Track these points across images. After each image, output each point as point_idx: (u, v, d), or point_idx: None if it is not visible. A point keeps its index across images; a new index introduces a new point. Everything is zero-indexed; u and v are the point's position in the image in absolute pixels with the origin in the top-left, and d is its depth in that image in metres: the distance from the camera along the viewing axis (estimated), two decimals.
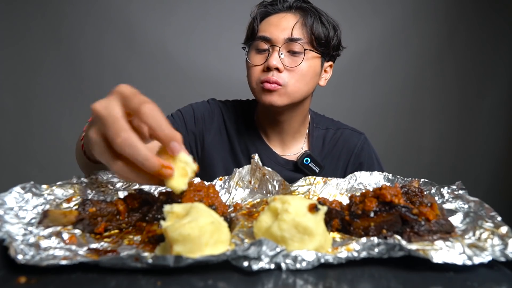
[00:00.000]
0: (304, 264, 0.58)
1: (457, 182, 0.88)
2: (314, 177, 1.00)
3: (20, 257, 0.56)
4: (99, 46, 2.27)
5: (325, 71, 1.24)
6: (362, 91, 2.46)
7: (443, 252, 0.60)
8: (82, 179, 0.91)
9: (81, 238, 0.69)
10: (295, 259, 0.58)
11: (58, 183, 0.85)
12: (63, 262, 0.56)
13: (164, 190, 0.95)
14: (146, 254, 0.57)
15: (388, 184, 0.97)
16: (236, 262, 0.57)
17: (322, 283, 0.55)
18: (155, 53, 2.30)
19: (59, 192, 0.82)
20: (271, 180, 0.98)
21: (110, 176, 0.98)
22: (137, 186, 0.96)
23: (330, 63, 1.24)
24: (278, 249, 0.58)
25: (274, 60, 1.07)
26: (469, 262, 0.58)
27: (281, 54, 1.09)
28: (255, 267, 0.57)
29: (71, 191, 0.84)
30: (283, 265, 0.58)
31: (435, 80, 2.51)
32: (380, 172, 1.01)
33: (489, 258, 0.58)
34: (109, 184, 0.95)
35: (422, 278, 0.57)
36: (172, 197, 0.77)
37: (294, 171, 1.26)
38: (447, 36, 2.46)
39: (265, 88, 1.10)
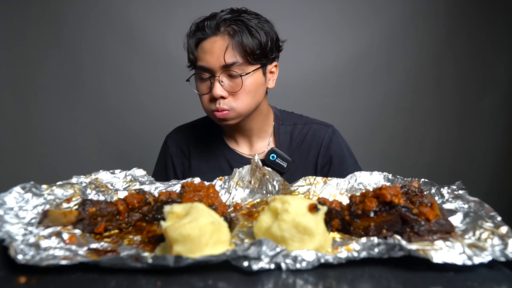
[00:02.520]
0: (304, 264, 0.58)
1: (457, 182, 0.88)
2: (314, 177, 1.01)
3: (20, 257, 0.56)
4: (100, 46, 2.27)
5: (271, 72, 1.25)
6: (361, 91, 2.45)
7: (443, 252, 0.60)
8: (82, 179, 0.91)
9: (81, 238, 0.69)
10: (295, 259, 0.58)
11: (58, 183, 0.85)
12: (63, 262, 0.56)
13: (164, 190, 0.96)
14: (146, 254, 0.57)
15: (388, 184, 0.97)
16: (236, 262, 0.57)
17: (322, 283, 0.56)
18: (156, 53, 2.29)
19: (59, 192, 0.82)
20: (271, 180, 0.98)
21: (110, 176, 0.98)
22: (137, 186, 0.96)
23: (274, 63, 1.24)
24: (278, 249, 0.58)
25: (218, 90, 1.12)
26: (469, 262, 0.58)
27: (222, 82, 1.13)
28: (255, 267, 0.57)
29: (71, 191, 0.84)
30: (283, 265, 0.58)
31: (435, 80, 2.50)
32: (380, 172, 1.01)
33: (489, 258, 0.59)
34: (109, 184, 0.95)
35: (422, 278, 0.57)
36: (172, 197, 0.77)
37: None
38: (447, 36, 2.45)
39: (217, 116, 1.17)
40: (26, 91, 2.25)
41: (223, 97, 1.14)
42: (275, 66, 1.25)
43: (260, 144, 1.34)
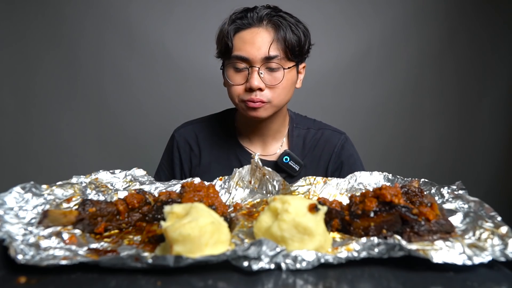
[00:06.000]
0: (304, 264, 0.58)
1: (457, 182, 0.88)
2: (314, 177, 1.00)
3: (20, 257, 0.56)
4: (99, 46, 2.26)
5: (300, 72, 1.26)
6: (362, 91, 2.45)
7: (443, 252, 0.60)
8: (82, 179, 0.91)
9: (81, 238, 0.69)
10: (295, 259, 0.58)
11: (58, 183, 0.85)
12: (63, 262, 0.56)
13: (164, 190, 0.96)
14: (146, 254, 0.57)
15: (388, 184, 0.97)
16: (236, 262, 0.57)
17: (322, 283, 0.55)
18: (155, 53, 2.29)
19: (59, 192, 0.82)
20: (271, 180, 0.98)
21: (110, 176, 0.98)
22: (137, 186, 0.96)
23: (303, 64, 1.26)
24: (278, 249, 0.58)
25: (256, 81, 1.11)
26: (469, 262, 0.58)
27: (261, 73, 1.12)
28: (255, 267, 0.57)
29: (71, 191, 0.84)
30: (283, 265, 0.58)
31: (435, 80, 2.50)
32: (380, 172, 1.01)
33: (489, 258, 0.59)
34: (109, 184, 0.95)
35: (422, 278, 0.57)
36: (172, 197, 0.77)
37: (275, 171, 1.26)
38: (447, 36, 2.45)
39: (249, 106, 1.15)
40: (25, 91, 2.25)
41: (260, 89, 1.13)
42: (303, 67, 1.27)
43: (274, 145, 1.33)
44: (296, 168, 1.26)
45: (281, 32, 1.12)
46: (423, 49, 2.46)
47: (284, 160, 1.26)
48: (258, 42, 1.11)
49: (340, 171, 1.31)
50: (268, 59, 1.11)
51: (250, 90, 1.13)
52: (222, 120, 1.37)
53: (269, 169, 0.98)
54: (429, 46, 2.46)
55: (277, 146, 1.33)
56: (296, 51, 1.15)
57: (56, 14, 2.22)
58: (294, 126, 1.34)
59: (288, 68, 1.14)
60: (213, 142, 1.34)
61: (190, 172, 1.35)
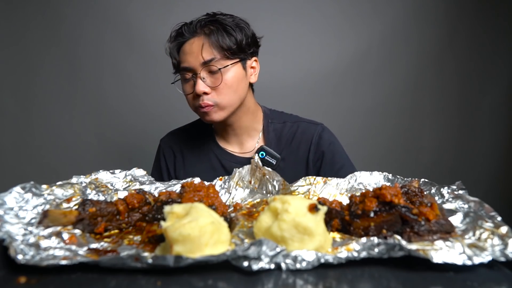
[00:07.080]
0: (304, 264, 0.58)
1: (457, 182, 0.88)
2: (314, 177, 1.01)
3: (20, 257, 0.56)
4: (99, 46, 2.26)
5: (252, 67, 1.30)
6: (362, 91, 2.45)
7: (443, 252, 0.60)
8: (82, 179, 0.91)
9: (81, 238, 0.69)
10: (295, 259, 0.58)
11: (58, 183, 0.86)
12: (63, 262, 0.56)
13: (164, 190, 0.96)
14: (146, 254, 0.57)
15: (388, 184, 0.97)
16: (236, 262, 0.57)
17: (322, 283, 0.55)
18: (155, 53, 2.28)
19: (59, 192, 0.82)
20: (271, 180, 0.98)
21: (110, 176, 0.98)
22: (137, 186, 0.96)
23: (254, 58, 1.30)
24: (278, 249, 0.58)
25: (200, 86, 1.18)
26: (469, 262, 0.58)
27: (203, 78, 1.19)
28: (255, 267, 0.57)
29: (71, 191, 0.84)
30: (283, 265, 0.58)
31: (435, 80, 2.50)
32: (380, 172, 1.01)
33: (489, 258, 0.58)
34: (109, 184, 0.95)
35: (422, 278, 0.57)
36: (172, 197, 0.77)
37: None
38: (447, 36, 2.45)
39: (201, 111, 1.23)
40: (26, 91, 2.25)
41: (206, 93, 1.19)
42: (255, 61, 1.31)
43: (250, 143, 1.37)
44: (273, 162, 1.30)
45: (212, 36, 1.19)
46: (423, 49, 2.45)
47: (260, 155, 1.31)
48: (195, 50, 1.19)
49: (322, 160, 1.33)
50: (205, 63, 1.18)
51: (197, 95, 1.20)
52: (201, 125, 1.42)
53: (269, 169, 0.98)
54: (429, 46, 2.45)
55: (253, 143, 1.37)
56: (233, 49, 1.20)
57: (56, 14, 2.22)
58: (270, 122, 1.38)
59: (225, 67, 1.19)
60: (194, 146, 1.41)
61: (175, 175, 1.41)
